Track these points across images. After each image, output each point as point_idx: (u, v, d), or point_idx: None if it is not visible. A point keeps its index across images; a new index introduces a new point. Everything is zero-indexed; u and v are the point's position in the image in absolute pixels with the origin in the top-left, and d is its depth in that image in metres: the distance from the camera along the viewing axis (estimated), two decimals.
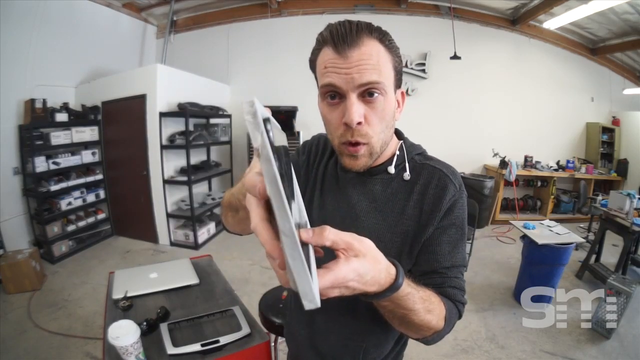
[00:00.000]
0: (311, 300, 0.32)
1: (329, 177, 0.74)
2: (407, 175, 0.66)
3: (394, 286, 0.43)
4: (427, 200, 0.62)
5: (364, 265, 0.38)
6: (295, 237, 0.29)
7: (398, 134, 0.73)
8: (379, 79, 0.54)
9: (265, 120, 0.31)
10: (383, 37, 0.56)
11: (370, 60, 0.53)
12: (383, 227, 0.65)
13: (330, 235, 0.37)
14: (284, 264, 0.31)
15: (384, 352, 0.73)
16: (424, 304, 0.51)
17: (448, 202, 0.62)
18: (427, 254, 0.63)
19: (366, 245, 0.40)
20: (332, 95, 0.57)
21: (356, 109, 0.54)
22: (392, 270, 0.44)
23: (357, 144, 0.58)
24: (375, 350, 0.72)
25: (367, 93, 0.55)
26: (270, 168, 0.28)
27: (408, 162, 0.67)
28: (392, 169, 0.66)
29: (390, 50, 0.57)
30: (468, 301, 2.67)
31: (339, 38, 0.53)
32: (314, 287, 0.32)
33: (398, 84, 0.61)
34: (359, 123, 0.56)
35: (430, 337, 0.58)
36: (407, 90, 4.72)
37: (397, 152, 0.68)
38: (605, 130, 5.13)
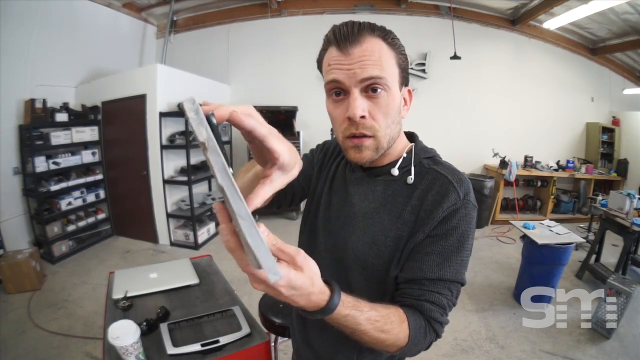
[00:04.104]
0: (275, 273, 0.36)
1: (338, 177, 0.75)
2: (410, 179, 0.63)
3: (325, 310, 0.45)
4: (424, 206, 0.60)
5: (298, 279, 0.39)
6: (251, 218, 0.32)
7: (412, 137, 0.72)
8: (381, 74, 0.55)
9: (209, 115, 0.32)
10: (385, 35, 0.57)
11: (372, 56, 0.54)
12: (378, 230, 0.63)
13: (278, 243, 0.39)
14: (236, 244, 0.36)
15: (381, 356, 0.71)
16: (373, 324, 0.51)
17: (446, 209, 0.58)
18: (414, 261, 0.60)
19: (308, 264, 0.41)
20: (337, 92, 0.58)
21: (359, 104, 0.55)
22: (325, 295, 0.45)
23: (362, 136, 0.58)
24: (370, 354, 0.70)
25: (371, 89, 0.56)
26: (219, 159, 0.30)
27: (414, 166, 0.65)
28: (395, 171, 0.65)
29: (394, 47, 0.58)
30: (468, 301, 2.63)
31: (342, 37, 0.55)
32: (275, 261, 0.36)
33: (404, 81, 0.61)
34: (363, 117, 0.56)
35: (396, 352, 0.56)
36: None
37: (404, 155, 0.66)
38: (605, 130, 5.13)
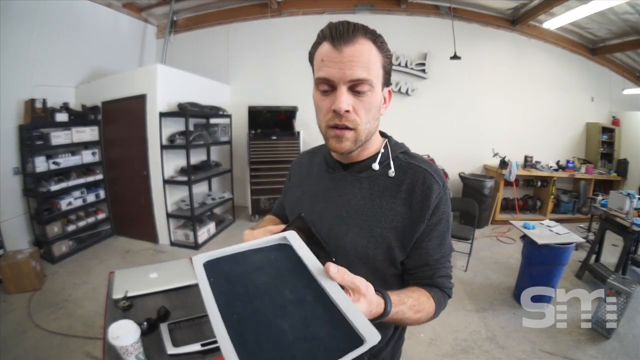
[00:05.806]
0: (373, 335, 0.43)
1: (317, 179, 0.79)
2: (391, 172, 0.70)
3: (382, 316, 0.54)
4: (415, 199, 0.67)
5: (363, 306, 0.49)
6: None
7: (382, 134, 0.78)
8: (368, 77, 0.61)
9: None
10: (376, 38, 0.63)
11: (362, 58, 0.60)
12: (373, 223, 0.68)
13: (346, 277, 0.49)
14: None
15: (387, 333, 0.76)
16: (413, 309, 0.61)
17: (435, 200, 0.67)
18: (419, 249, 0.69)
19: (370, 290, 0.51)
20: (325, 85, 0.63)
21: (345, 99, 0.61)
22: (382, 305, 0.54)
23: (344, 128, 0.64)
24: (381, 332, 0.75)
25: (356, 87, 0.61)
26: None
27: (393, 160, 0.71)
28: (376, 166, 0.71)
29: (382, 50, 0.64)
30: (468, 301, 2.65)
31: (337, 34, 0.60)
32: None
33: (386, 82, 0.68)
34: (347, 111, 0.62)
35: (425, 322, 0.68)
36: (407, 91, 4.74)
37: (382, 150, 0.73)
38: (605, 130, 5.13)
